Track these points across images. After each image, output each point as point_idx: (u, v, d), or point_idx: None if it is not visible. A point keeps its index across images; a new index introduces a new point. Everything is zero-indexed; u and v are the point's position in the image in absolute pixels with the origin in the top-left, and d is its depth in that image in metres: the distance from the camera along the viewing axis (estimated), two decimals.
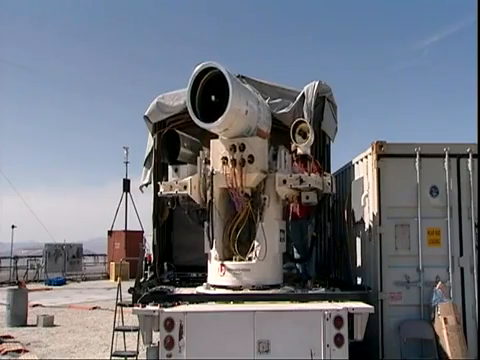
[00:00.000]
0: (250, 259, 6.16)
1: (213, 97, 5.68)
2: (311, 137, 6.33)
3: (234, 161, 6.06)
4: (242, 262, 6.16)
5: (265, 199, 6.23)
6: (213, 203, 6.21)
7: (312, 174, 6.17)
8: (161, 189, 6.37)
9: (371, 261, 7.09)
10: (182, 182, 6.27)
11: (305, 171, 6.29)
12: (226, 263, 6.14)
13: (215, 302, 5.85)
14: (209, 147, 6.48)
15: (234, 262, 6.19)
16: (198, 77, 5.67)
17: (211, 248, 6.22)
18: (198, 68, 5.63)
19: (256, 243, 6.15)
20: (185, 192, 6.23)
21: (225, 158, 6.11)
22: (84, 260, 33.13)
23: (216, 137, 6.32)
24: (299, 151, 6.51)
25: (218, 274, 6.15)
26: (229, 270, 6.10)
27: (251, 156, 6.06)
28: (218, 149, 6.24)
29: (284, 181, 6.14)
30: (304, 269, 7.27)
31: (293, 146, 6.62)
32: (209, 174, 6.17)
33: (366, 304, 5.69)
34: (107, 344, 9.46)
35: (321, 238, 8.12)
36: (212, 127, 5.78)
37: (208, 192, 6.24)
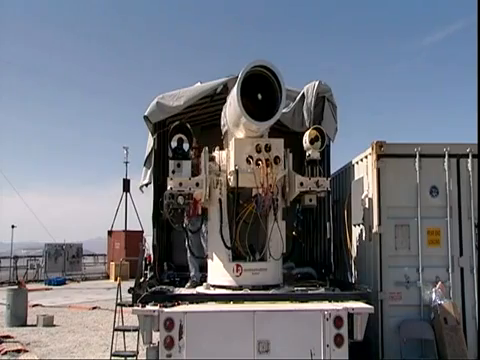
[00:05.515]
0: (262, 259, 6.19)
1: (259, 96, 5.64)
2: (321, 141, 6.37)
3: (260, 161, 5.95)
4: (259, 262, 6.19)
5: (277, 200, 6.24)
6: (222, 202, 6.28)
7: (327, 178, 6.30)
8: (171, 185, 6.15)
9: (371, 261, 7.09)
10: (195, 179, 6.18)
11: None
12: (242, 263, 6.14)
13: (215, 302, 5.84)
14: (208, 147, 6.49)
15: (250, 262, 6.20)
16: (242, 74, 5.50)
17: (229, 248, 6.19)
18: (250, 65, 5.46)
19: (271, 243, 6.17)
20: (199, 190, 6.16)
21: (250, 157, 5.98)
22: (84, 260, 33.10)
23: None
24: (312, 155, 6.49)
25: (234, 274, 6.13)
26: (246, 270, 6.10)
27: (277, 157, 6.02)
28: (241, 148, 6.07)
29: (301, 183, 6.20)
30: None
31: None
32: (232, 172, 6.07)
33: (366, 304, 5.70)
34: (107, 344, 9.46)
35: (321, 238, 8.14)
36: (262, 126, 5.69)
37: (217, 191, 6.30)
